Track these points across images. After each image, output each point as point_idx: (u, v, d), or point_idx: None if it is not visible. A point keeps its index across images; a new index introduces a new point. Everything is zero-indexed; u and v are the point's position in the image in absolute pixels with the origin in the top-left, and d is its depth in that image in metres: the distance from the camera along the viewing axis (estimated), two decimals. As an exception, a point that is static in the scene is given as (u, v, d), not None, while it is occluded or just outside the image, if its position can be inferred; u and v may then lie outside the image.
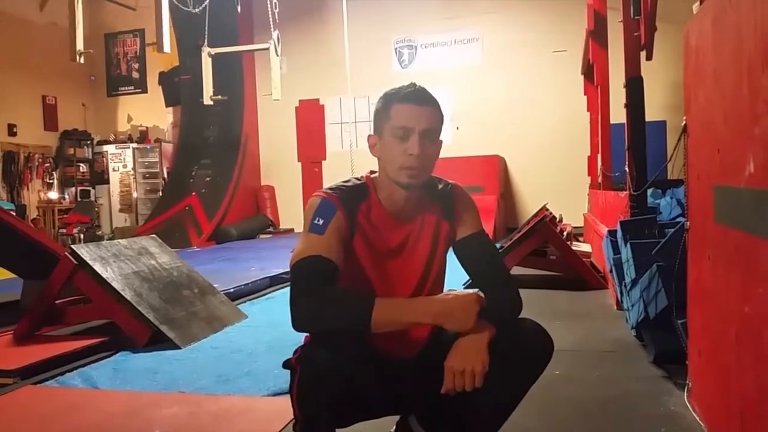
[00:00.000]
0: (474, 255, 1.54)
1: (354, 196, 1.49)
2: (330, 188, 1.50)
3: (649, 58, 4.00)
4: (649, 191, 4.70)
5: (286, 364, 1.41)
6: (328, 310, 1.32)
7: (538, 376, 1.44)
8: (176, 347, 3.04)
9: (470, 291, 1.36)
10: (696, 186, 1.91)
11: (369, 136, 1.52)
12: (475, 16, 10.11)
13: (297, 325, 1.32)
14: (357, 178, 1.56)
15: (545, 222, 4.60)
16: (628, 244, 2.77)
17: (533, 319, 1.45)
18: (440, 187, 1.57)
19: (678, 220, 3.54)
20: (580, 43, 7.74)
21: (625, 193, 3.66)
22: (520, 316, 1.46)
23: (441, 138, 1.50)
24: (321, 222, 1.43)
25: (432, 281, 1.55)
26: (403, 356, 1.52)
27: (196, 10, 7.04)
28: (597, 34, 5.96)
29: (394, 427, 1.67)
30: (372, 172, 1.55)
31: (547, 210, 5.51)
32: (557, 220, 6.19)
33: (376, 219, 1.50)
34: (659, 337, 2.49)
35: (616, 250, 3.19)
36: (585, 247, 5.74)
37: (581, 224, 7.64)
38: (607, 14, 6.02)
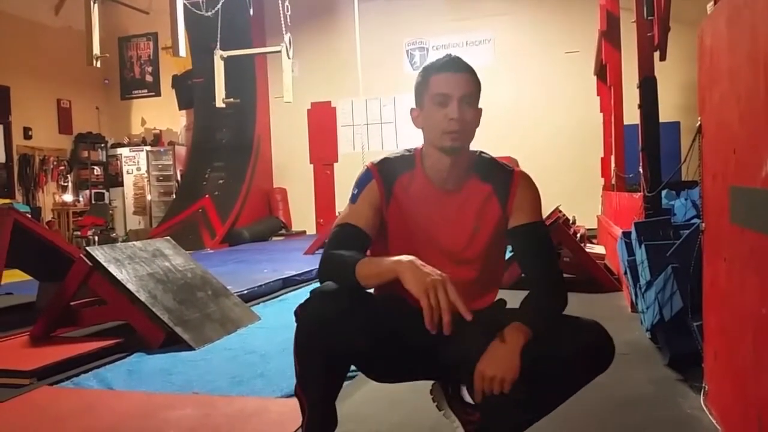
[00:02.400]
0: (525, 246, 1.56)
1: (397, 167, 1.57)
2: (379, 159, 1.60)
3: (662, 58, 3.98)
4: (663, 193, 4.66)
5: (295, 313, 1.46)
6: (331, 269, 1.43)
7: (592, 376, 1.45)
8: (190, 348, 3.06)
9: (410, 259, 1.33)
10: (711, 187, 1.89)
11: (411, 109, 1.59)
12: (487, 17, 10.09)
13: (318, 281, 1.46)
14: (408, 150, 1.62)
15: (558, 224, 4.58)
16: (643, 246, 2.75)
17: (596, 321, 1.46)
18: (500, 171, 1.59)
19: (693, 221, 3.50)
20: (592, 43, 7.70)
21: (639, 194, 3.64)
22: (585, 317, 1.48)
23: (480, 106, 1.55)
24: (356, 191, 1.56)
25: (473, 258, 1.55)
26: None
27: (209, 13, 7.08)
28: (610, 34, 5.93)
29: (433, 389, 1.71)
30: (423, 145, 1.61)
31: (560, 212, 5.48)
32: (570, 222, 6.16)
33: (417, 188, 1.56)
34: (674, 339, 2.46)
35: (630, 251, 3.16)
36: (599, 249, 5.70)
37: (595, 226, 7.60)
38: (620, 15, 5.98)
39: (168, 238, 4.00)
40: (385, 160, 1.59)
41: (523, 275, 1.58)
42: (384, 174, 1.55)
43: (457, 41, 10.27)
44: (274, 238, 10.43)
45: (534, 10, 9.85)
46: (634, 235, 3.04)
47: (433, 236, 1.55)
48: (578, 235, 5.39)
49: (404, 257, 1.34)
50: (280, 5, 7.28)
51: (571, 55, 9.49)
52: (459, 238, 1.55)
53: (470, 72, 1.53)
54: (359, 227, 1.50)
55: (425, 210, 1.55)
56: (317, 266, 1.49)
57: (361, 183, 1.56)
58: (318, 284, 1.47)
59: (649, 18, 3.63)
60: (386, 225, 1.55)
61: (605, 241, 5.90)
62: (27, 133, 10.72)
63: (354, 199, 1.55)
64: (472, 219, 1.55)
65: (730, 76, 1.65)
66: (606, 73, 6.23)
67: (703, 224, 1.97)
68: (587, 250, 4.90)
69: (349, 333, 1.36)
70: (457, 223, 1.55)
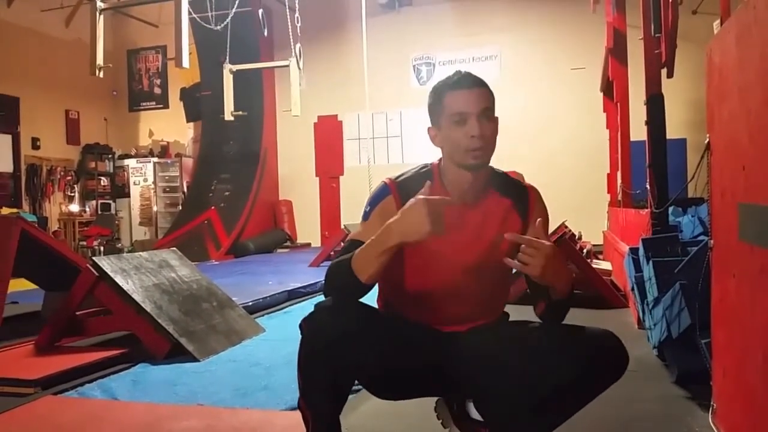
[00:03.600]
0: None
1: (415, 183, 1.54)
2: (397, 175, 1.59)
3: (670, 75, 3.98)
4: (670, 209, 4.66)
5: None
6: (333, 278, 1.44)
7: (605, 387, 1.45)
8: (195, 360, 3.05)
9: (389, 222, 1.37)
10: (720, 203, 1.89)
11: (428, 128, 1.58)
12: (494, 33, 10.15)
13: (324, 297, 1.46)
14: (425, 165, 1.62)
15: (564, 239, 4.56)
16: (651, 262, 2.74)
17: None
18: (515, 185, 1.63)
19: (700, 238, 3.49)
20: (598, 60, 7.72)
21: (646, 210, 3.63)
22: (602, 328, 1.49)
23: (496, 115, 1.56)
24: (368, 209, 1.55)
25: (490, 270, 1.55)
26: (454, 330, 1.55)
27: (218, 27, 7.14)
28: (616, 51, 5.95)
29: (437, 407, 1.70)
30: (440, 160, 1.61)
31: (567, 227, 5.47)
32: (576, 237, 6.14)
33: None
34: (682, 356, 2.45)
35: (638, 268, 3.15)
36: (605, 265, 5.68)
37: (601, 242, 7.58)
38: (627, 31, 6.01)
39: (174, 249, 4.01)
40: (402, 176, 1.59)
41: (529, 290, 1.58)
42: (402, 190, 1.54)
43: (463, 57, 10.33)
44: (279, 250, 10.44)
45: (540, 27, 9.90)
46: (641, 252, 3.03)
47: (453, 251, 1.54)
48: (584, 251, 5.37)
49: (386, 225, 1.36)
50: (289, 19, 7.34)
51: (577, 72, 9.52)
52: (479, 251, 1.55)
53: (483, 86, 1.53)
54: None
55: (446, 226, 1.56)
56: (323, 280, 1.48)
57: (376, 199, 1.55)
58: (323, 297, 1.47)
59: (657, 35, 3.64)
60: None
61: (611, 257, 5.88)
62: (35, 143, 10.80)
63: (366, 216, 1.54)
64: (493, 232, 1.56)
65: (739, 93, 1.66)
66: (612, 90, 6.24)
67: (712, 241, 1.96)
68: (594, 266, 4.88)
69: (353, 348, 1.35)
70: (477, 236, 1.55)
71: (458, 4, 10.35)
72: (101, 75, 6.06)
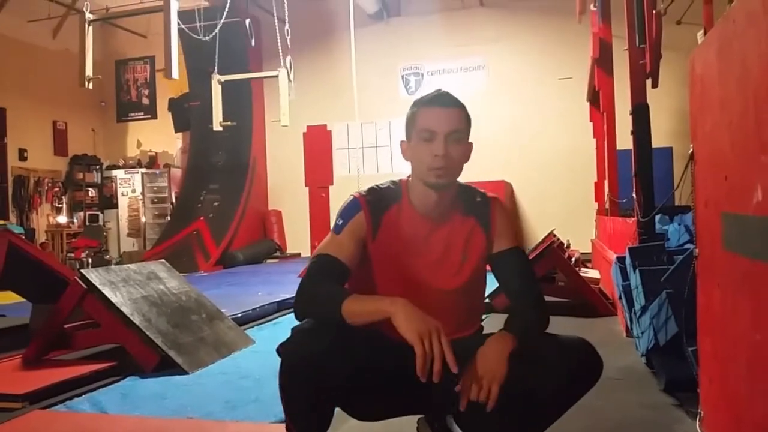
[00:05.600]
0: (510, 271, 1.59)
1: (385, 197, 1.57)
2: (366, 189, 1.59)
3: (654, 85, 4.03)
4: (657, 218, 4.70)
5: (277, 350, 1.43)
6: (312, 304, 1.43)
7: (581, 394, 1.46)
8: (184, 372, 3.03)
9: (404, 301, 1.34)
10: (704, 213, 1.92)
11: (401, 141, 1.61)
12: (481, 44, 10.23)
13: (295, 315, 1.46)
14: (393, 182, 1.63)
15: (553, 248, 4.59)
16: (637, 271, 2.77)
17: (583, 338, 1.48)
18: (478, 199, 1.62)
19: (686, 246, 3.53)
20: (585, 70, 7.80)
21: (632, 219, 3.67)
22: (572, 335, 1.51)
23: (471, 141, 1.56)
24: (340, 222, 1.54)
25: (460, 287, 1.57)
26: None
27: (207, 38, 7.15)
28: (602, 61, 6.01)
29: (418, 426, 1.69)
30: (409, 176, 1.62)
31: (555, 236, 5.51)
32: (565, 246, 6.18)
33: (405, 221, 1.56)
34: (670, 364, 2.47)
35: (625, 276, 3.18)
36: (593, 274, 5.72)
37: (589, 250, 7.62)
38: (613, 42, 6.08)
39: (163, 260, 4.00)
40: (372, 191, 1.58)
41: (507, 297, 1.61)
42: (372, 206, 1.55)
43: (451, 67, 10.39)
44: (269, 261, 10.41)
45: (527, 38, 9.99)
46: (628, 260, 3.05)
47: (421, 268, 1.55)
48: (573, 260, 5.40)
49: (398, 299, 1.33)
50: (278, 30, 7.36)
51: (564, 81, 9.61)
52: (447, 270, 1.56)
53: (459, 107, 1.53)
54: (340, 260, 1.48)
55: (414, 243, 1.56)
56: (297, 297, 1.46)
57: (348, 214, 1.54)
58: (294, 315, 1.46)
59: (641, 46, 3.69)
60: (370, 257, 1.54)
61: (600, 265, 5.91)
62: (22, 155, 10.73)
63: (338, 230, 1.53)
64: (459, 250, 1.57)
65: (721, 104, 1.69)
66: (599, 100, 6.30)
67: (697, 250, 1.98)
68: (582, 274, 4.91)
69: (332, 371, 1.34)
70: (445, 255, 1.57)
71: (446, 14, 10.42)
72: (90, 86, 6.05)
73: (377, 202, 1.56)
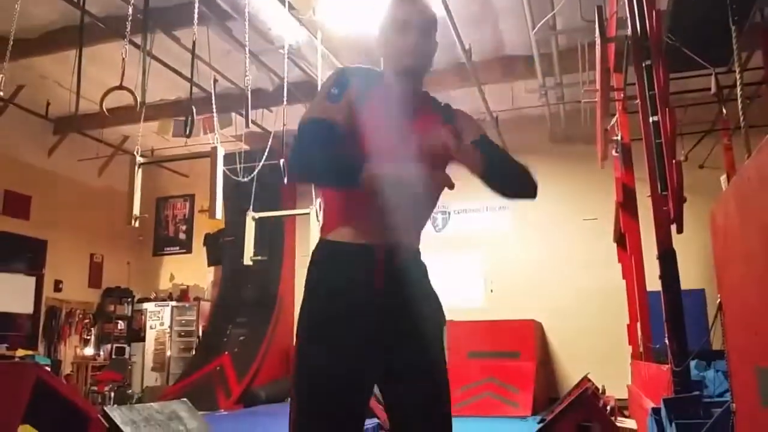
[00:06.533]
0: (488, 153, 1.69)
1: (368, 78, 1.68)
2: (352, 66, 1.73)
3: (679, 231, 4.07)
4: (693, 363, 4.54)
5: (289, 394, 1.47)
6: (327, 169, 1.53)
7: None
8: None
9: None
10: (738, 366, 1.87)
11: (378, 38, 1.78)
12: (507, 185, 10.52)
13: (292, 177, 1.70)
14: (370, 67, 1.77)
15: (588, 395, 4.42)
16: (674, 425, 2.64)
17: None
18: (443, 104, 1.80)
19: (726, 396, 3.37)
20: (609, 210, 7.92)
21: (667, 366, 3.55)
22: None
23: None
24: (336, 91, 1.62)
25: (435, 183, 1.61)
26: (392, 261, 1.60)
27: (246, 179, 7.53)
28: (627, 205, 6.13)
29: None
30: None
31: (590, 381, 5.32)
32: (600, 391, 5.93)
33: (387, 101, 1.66)
34: None
35: (661, 429, 3.02)
36: (630, 423, 5.43)
37: (625, 396, 7.28)
38: (636, 184, 6.21)
39: (185, 400, 3.95)
40: (358, 69, 1.71)
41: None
42: (361, 77, 1.66)
43: (477, 207, 10.62)
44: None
45: (550, 180, 10.17)
46: (663, 413, 2.92)
47: (404, 148, 1.58)
48: (608, 408, 5.16)
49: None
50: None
51: (589, 222, 9.71)
52: (426, 157, 1.58)
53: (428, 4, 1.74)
54: (337, 127, 1.56)
55: (396, 123, 1.64)
56: (299, 159, 1.55)
57: (343, 86, 1.63)
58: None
59: (664, 193, 3.78)
60: (358, 122, 1.61)
61: (637, 414, 5.62)
62: (58, 286, 10.99)
63: (336, 98, 1.60)
64: (430, 134, 1.62)
65: (745, 259, 1.71)
66: (625, 241, 6.34)
67: (734, 405, 1.91)
68: (618, 424, 4.67)
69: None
70: (423, 141, 1.59)
71: (472, 158, 10.83)
72: (137, 224, 6.33)
73: (366, 76, 1.68)
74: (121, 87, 4.65)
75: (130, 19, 5.03)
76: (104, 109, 4.99)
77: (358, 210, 1.57)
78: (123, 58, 4.87)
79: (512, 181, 1.72)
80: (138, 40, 6.19)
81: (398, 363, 1.55)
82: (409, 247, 1.67)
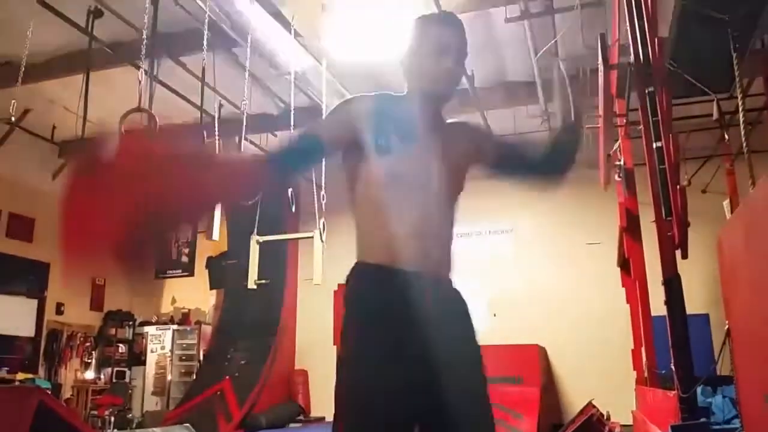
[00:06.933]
0: (507, 145, 1.96)
1: (389, 99, 1.76)
2: (374, 94, 1.77)
3: (684, 256, 4.06)
4: (699, 389, 4.50)
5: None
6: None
7: None
8: None
9: None
10: (748, 394, 1.86)
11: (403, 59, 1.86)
12: (507, 210, 10.54)
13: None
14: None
15: (592, 422, 4.38)
16: (683, 452, 2.61)
17: None
18: (452, 120, 1.87)
19: (734, 423, 3.35)
20: (613, 234, 7.90)
21: (673, 392, 3.52)
22: None
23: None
24: (332, 114, 1.75)
25: (453, 200, 1.79)
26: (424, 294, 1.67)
27: (249, 203, 7.55)
28: (630, 230, 6.12)
29: None
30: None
31: (594, 407, 5.27)
32: (605, 417, 5.88)
33: (408, 118, 1.70)
34: None
35: (670, 456, 2.99)
36: (636, 450, 5.36)
37: (630, 422, 7.20)
38: (639, 208, 6.21)
39: (187, 425, 3.92)
40: (378, 96, 1.74)
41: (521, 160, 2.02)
42: (374, 99, 1.71)
43: (479, 230, 10.63)
44: (292, 425, 10.03)
45: (553, 204, 10.27)
46: (672, 440, 2.90)
47: (423, 168, 1.68)
48: (613, 434, 5.10)
49: None
50: (315, 196, 7.77)
51: (592, 246, 9.70)
52: (445, 174, 1.71)
53: (464, 30, 1.74)
54: (318, 137, 1.73)
55: (415, 141, 1.69)
56: None
57: (341, 107, 1.73)
58: None
59: (668, 219, 3.78)
60: (363, 143, 1.66)
61: (642, 440, 5.56)
62: (59, 309, 10.96)
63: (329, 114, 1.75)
64: (456, 153, 1.76)
65: (752, 287, 1.71)
66: (629, 266, 6.32)
67: (745, 433, 1.90)
68: (624, 450, 4.62)
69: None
70: (443, 158, 1.70)
71: (473, 183, 10.84)
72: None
73: (379, 103, 1.71)
74: (139, 109, 4.71)
75: (145, 43, 5.11)
76: (123, 131, 5.05)
77: (389, 229, 1.64)
78: (139, 81, 4.96)
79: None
80: (145, 65, 6.27)
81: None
82: (443, 273, 1.73)
